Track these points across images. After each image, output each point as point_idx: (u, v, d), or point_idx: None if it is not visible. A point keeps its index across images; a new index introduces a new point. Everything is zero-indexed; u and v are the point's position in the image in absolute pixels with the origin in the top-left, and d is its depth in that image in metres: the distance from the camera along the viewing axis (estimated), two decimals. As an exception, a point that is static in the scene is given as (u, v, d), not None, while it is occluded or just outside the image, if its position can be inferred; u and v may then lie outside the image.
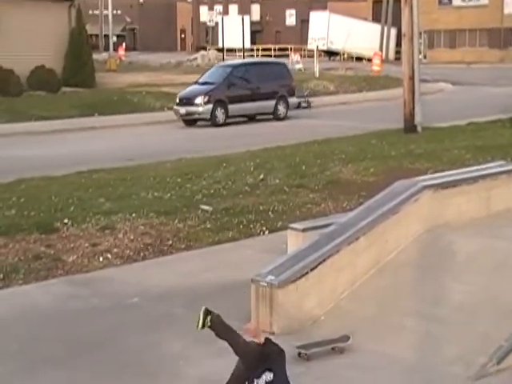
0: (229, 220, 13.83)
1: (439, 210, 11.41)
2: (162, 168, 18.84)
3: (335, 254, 9.63)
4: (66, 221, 13.45)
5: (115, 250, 12.29)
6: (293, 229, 11.37)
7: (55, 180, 17.49)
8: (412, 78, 24.27)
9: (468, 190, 11.82)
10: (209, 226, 13.55)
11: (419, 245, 10.90)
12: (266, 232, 13.36)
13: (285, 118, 31.07)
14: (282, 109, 31.24)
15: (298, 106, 33.79)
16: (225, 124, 29.55)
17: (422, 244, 10.94)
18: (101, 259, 11.90)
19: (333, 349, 8.35)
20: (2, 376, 7.83)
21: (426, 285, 9.91)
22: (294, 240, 11.08)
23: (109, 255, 12.06)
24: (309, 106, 34.91)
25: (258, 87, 30.84)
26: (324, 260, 9.43)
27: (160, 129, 29.21)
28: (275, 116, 30.96)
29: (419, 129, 24.27)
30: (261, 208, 14.58)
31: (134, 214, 13.86)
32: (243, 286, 9.34)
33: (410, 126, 24.19)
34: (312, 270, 9.21)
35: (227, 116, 29.76)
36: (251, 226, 13.61)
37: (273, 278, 8.92)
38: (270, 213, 14.34)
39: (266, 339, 6.81)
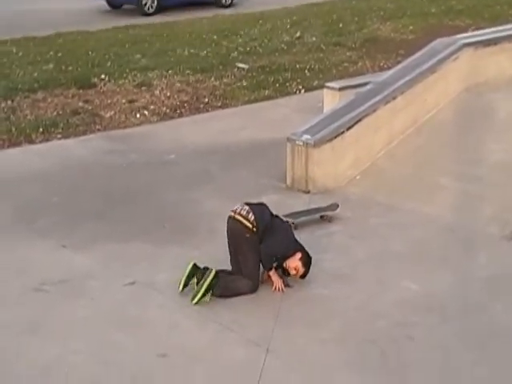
0: (265, 78, 13.73)
1: (479, 69, 11.25)
2: (199, 24, 18.61)
3: (372, 113, 9.56)
4: (103, 76, 13.46)
5: (152, 106, 12.30)
6: (329, 88, 11.28)
7: (92, 35, 17.40)
8: None
9: (509, 48, 11.61)
10: (245, 84, 13.47)
11: (458, 104, 10.81)
12: (302, 91, 13.26)
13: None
14: None
15: None
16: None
17: (461, 103, 10.84)
18: (138, 116, 11.93)
19: (321, 217, 8.13)
20: (44, 227, 8.00)
21: (463, 144, 9.87)
22: (330, 99, 11.01)
23: (145, 112, 12.08)
24: None
25: None
26: (360, 119, 9.37)
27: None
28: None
29: (461, -15, 23.57)
30: (297, 66, 14.44)
31: (170, 71, 13.80)
32: (279, 145, 9.34)
33: (451, -18, 23.48)
34: (348, 129, 9.17)
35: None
36: (287, 84, 13.50)
37: (308, 137, 8.89)
38: (306, 71, 14.20)
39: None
